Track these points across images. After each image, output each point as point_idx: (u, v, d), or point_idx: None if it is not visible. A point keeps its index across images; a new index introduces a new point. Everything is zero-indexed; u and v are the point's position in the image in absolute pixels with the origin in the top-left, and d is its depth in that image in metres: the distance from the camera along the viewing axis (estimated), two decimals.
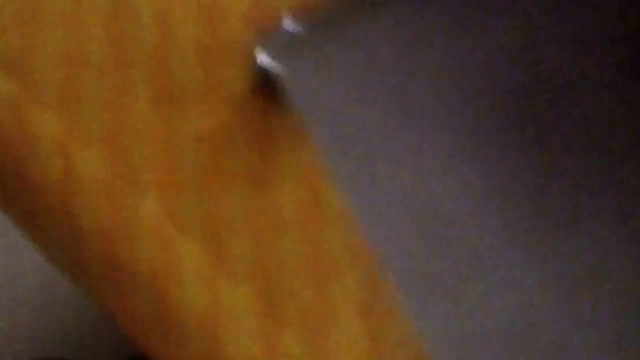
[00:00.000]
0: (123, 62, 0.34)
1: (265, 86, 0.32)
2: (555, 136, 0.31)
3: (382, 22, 0.32)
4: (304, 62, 0.32)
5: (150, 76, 0.33)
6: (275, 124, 0.33)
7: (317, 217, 0.32)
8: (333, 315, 0.30)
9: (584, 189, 0.30)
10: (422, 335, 0.29)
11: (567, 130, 0.31)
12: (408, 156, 0.31)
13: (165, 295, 0.30)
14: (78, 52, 0.34)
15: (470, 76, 0.32)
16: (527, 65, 0.32)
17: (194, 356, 0.30)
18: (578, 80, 0.31)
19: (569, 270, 0.29)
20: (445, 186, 0.30)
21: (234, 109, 0.33)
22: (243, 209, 0.32)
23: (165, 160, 0.32)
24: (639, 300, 0.29)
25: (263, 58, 0.32)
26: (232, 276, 0.31)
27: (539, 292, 0.29)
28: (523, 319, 0.28)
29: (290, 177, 0.32)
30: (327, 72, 0.32)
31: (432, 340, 0.28)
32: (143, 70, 0.34)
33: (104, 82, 0.33)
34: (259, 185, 0.32)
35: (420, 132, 0.31)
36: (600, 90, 0.31)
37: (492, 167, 0.30)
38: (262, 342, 0.30)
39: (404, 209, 0.30)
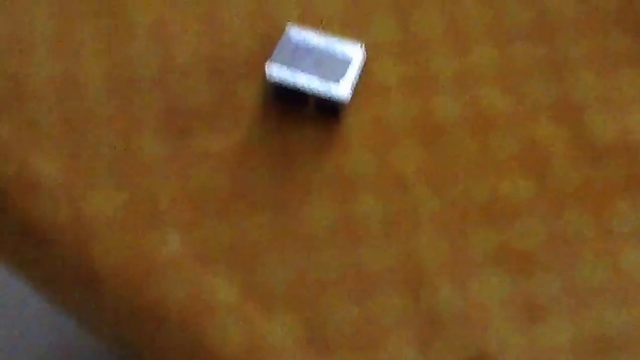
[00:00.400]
0: (123, 89, 0.31)
1: (281, 99, 0.30)
2: None
3: None
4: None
5: (153, 102, 0.31)
6: (294, 139, 0.31)
7: (350, 232, 0.30)
8: (380, 334, 0.29)
9: None
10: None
11: None
12: None
13: (199, 332, 0.28)
14: (74, 84, 0.31)
15: None
16: None
17: None
18: None
19: None
20: None
21: (248, 127, 0.31)
22: (269, 232, 0.30)
23: (181, 192, 0.30)
24: None
25: (275, 70, 0.30)
26: (266, 305, 0.29)
27: None
28: None
29: (316, 192, 0.30)
30: None
31: None
32: (145, 97, 0.31)
33: (104, 115, 0.31)
34: (283, 205, 0.30)
35: None
36: None
37: None
38: None
39: None
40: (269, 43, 0.32)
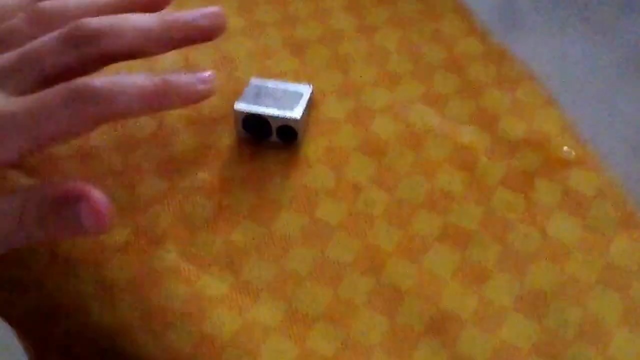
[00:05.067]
0: (128, 147, 0.39)
1: (249, 131, 0.38)
2: None
3: None
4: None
5: (151, 152, 0.38)
6: (264, 164, 0.38)
7: (317, 232, 0.36)
8: (352, 308, 0.34)
9: None
10: None
11: None
12: None
13: (198, 322, 0.33)
14: (90, 147, 0.39)
15: None
16: None
17: None
18: None
19: None
20: None
21: (226, 160, 0.38)
22: (251, 238, 0.36)
23: (176, 217, 0.36)
24: None
25: (242, 105, 0.37)
26: (253, 295, 0.34)
27: None
28: None
29: (286, 203, 0.37)
30: None
31: None
32: (145, 149, 0.38)
33: (113, 167, 0.38)
34: (260, 216, 0.36)
35: None
36: None
37: None
38: (292, 345, 0.33)
39: None
40: (236, 96, 0.40)
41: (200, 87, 0.35)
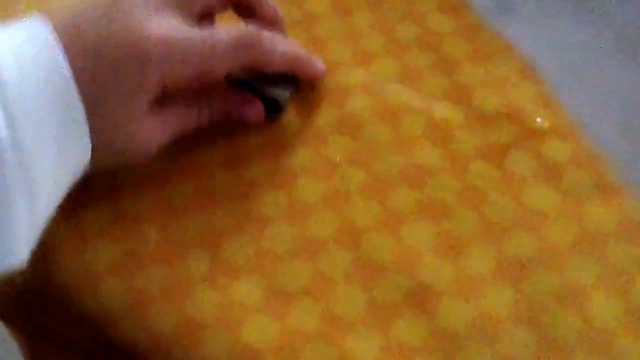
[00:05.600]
0: None
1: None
2: None
3: None
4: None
5: None
6: (243, 141, 0.38)
7: (295, 209, 0.36)
8: (331, 282, 0.34)
9: None
10: None
11: None
12: None
13: (181, 302, 0.34)
14: None
15: None
16: None
17: (216, 347, 0.33)
18: None
19: None
20: None
21: (203, 139, 0.38)
22: (230, 218, 0.36)
23: (155, 197, 0.37)
24: None
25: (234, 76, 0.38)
26: (233, 274, 0.35)
27: None
28: None
29: (265, 182, 0.37)
30: None
31: None
32: None
33: None
34: (239, 196, 0.37)
35: None
36: None
37: None
38: (273, 321, 0.33)
39: None
40: None
41: (321, 66, 0.39)
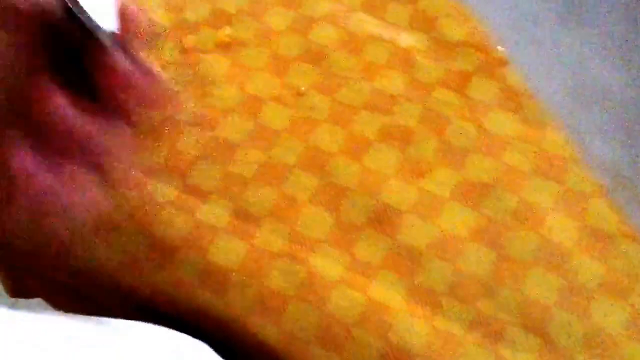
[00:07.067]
0: None
1: None
2: None
3: None
4: None
5: None
6: (206, 68, 0.38)
7: (261, 137, 0.37)
8: (296, 205, 0.35)
9: None
10: None
11: None
12: None
13: (149, 225, 0.34)
14: None
15: None
16: None
17: (186, 268, 0.34)
18: None
19: None
20: None
21: (164, 65, 0.39)
22: (197, 147, 0.37)
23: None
24: None
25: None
26: (201, 198, 0.35)
27: None
28: None
29: (232, 111, 0.37)
30: None
31: None
32: None
33: None
34: (205, 122, 0.37)
35: None
36: None
37: None
38: (241, 242, 0.34)
39: None
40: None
41: None
